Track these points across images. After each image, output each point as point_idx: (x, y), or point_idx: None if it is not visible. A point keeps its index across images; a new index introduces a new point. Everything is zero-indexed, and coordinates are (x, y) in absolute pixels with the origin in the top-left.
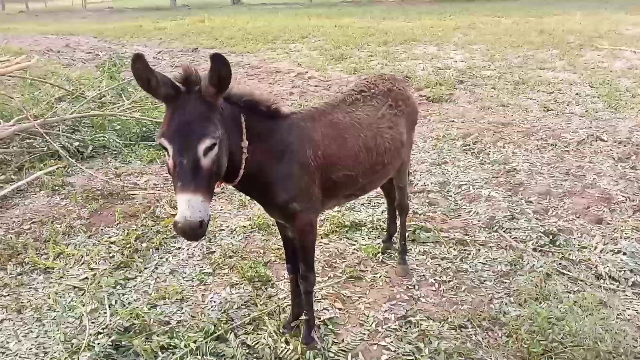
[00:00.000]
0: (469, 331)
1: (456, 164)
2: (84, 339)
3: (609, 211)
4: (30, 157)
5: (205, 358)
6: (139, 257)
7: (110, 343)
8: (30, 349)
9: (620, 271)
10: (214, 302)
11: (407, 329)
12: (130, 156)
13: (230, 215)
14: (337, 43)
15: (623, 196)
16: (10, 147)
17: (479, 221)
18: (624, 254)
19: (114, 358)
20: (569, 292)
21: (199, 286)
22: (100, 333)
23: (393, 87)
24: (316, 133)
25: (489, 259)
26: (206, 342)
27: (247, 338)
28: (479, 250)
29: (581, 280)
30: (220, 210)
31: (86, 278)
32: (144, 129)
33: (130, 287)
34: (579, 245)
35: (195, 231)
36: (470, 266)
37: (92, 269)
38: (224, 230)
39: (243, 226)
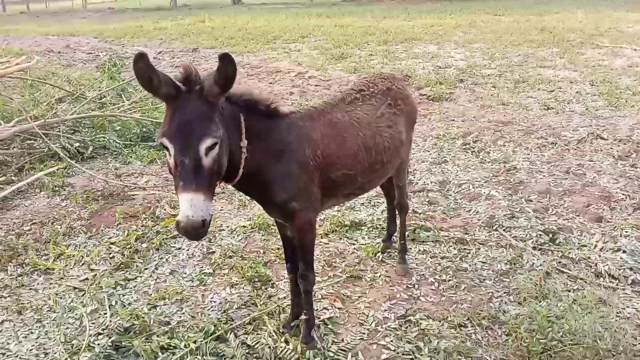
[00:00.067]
0: (468, 330)
1: (456, 163)
2: (84, 340)
3: (608, 209)
4: (30, 158)
5: (205, 358)
6: (139, 258)
7: (111, 343)
8: (31, 349)
9: (619, 269)
10: (214, 302)
11: (406, 328)
12: (131, 157)
13: (230, 215)
14: (338, 42)
15: (623, 194)
16: (10, 148)
17: (478, 220)
18: (624, 252)
19: (114, 358)
20: (569, 291)
21: (199, 286)
22: (101, 334)
23: (392, 86)
24: (315, 132)
25: (489, 257)
26: (206, 342)
27: (247, 338)
28: (479, 249)
29: (581, 279)
30: (220, 210)
31: (86, 279)
32: (144, 129)
33: (131, 288)
34: (578, 243)
35: (197, 230)
36: (470, 265)
37: (92, 270)
38: (224, 230)
39: (243, 226)
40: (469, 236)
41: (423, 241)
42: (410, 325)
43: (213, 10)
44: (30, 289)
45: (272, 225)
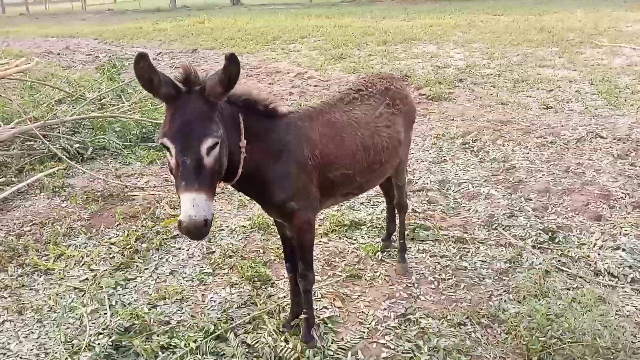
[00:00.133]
0: (468, 328)
1: (455, 162)
2: (84, 340)
3: (608, 208)
4: (30, 159)
5: (205, 357)
6: (139, 258)
7: (111, 343)
8: (31, 349)
9: (619, 267)
10: (214, 301)
11: (406, 326)
12: (130, 157)
13: (230, 215)
14: (337, 43)
15: (622, 193)
16: (10, 150)
17: (478, 219)
18: (623, 250)
19: (114, 358)
20: (568, 289)
21: (198, 286)
22: (101, 333)
23: (390, 86)
24: (313, 132)
25: (488, 256)
26: (206, 342)
27: (247, 337)
28: (478, 248)
29: (580, 277)
30: (220, 210)
31: (86, 279)
32: (144, 130)
33: (131, 288)
34: (578, 242)
35: (200, 230)
36: (469, 264)
37: (92, 270)
38: (223, 230)
39: (243, 226)
40: (469, 235)
41: (422, 240)
42: (409, 324)
43: (212, 11)
44: (30, 289)
45: (272, 225)
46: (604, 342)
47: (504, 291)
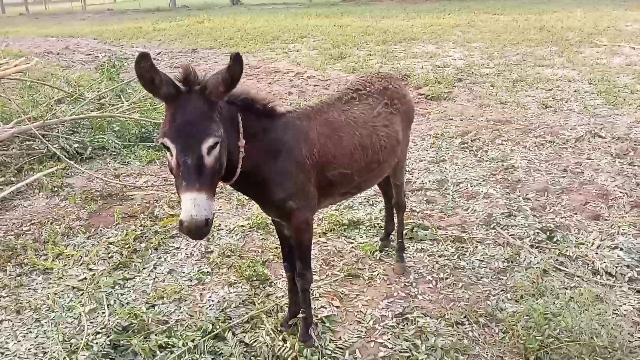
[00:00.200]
0: (465, 328)
1: (454, 162)
2: (82, 339)
3: (606, 207)
4: (29, 159)
5: (203, 357)
6: (137, 257)
7: (109, 342)
8: (30, 349)
9: (616, 267)
10: (212, 301)
11: (404, 326)
12: (129, 157)
13: (229, 215)
14: (336, 42)
15: (620, 192)
16: (9, 149)
17: (476, 218)
18: (621, 249)
19: (112, 357)
20: (566, 288)
21: (197, 285)
22: (99, 333)
23: (389, 86)
24: (312, 131)
25: (486, 256)
26: (204, 341)
27: (245, 336)
28: (476, 247)
29: (578, 276)
30: (219, 209)
31: (85, 278)
32: (143, 130)
33: (129, 287)
34: (576, 241)
35: (201, 229)
36: (467, 263)
37: (91, 270)
38: (222, 229)
39: (241, 225)
40: (467, 234)
41: (421, 240)
42: (407, 323)
43: (212, 11)
44: (29, 288)
45: (270, 224)
46: (601, 341)
47: (502, 290)
